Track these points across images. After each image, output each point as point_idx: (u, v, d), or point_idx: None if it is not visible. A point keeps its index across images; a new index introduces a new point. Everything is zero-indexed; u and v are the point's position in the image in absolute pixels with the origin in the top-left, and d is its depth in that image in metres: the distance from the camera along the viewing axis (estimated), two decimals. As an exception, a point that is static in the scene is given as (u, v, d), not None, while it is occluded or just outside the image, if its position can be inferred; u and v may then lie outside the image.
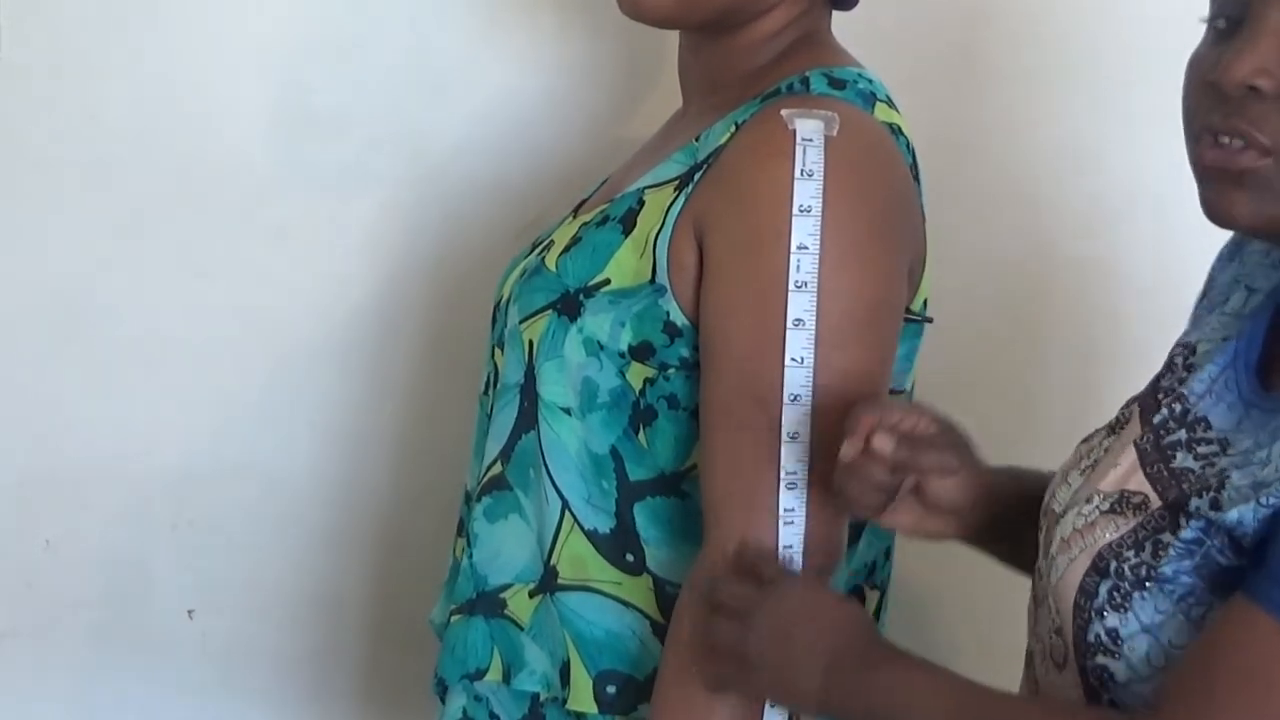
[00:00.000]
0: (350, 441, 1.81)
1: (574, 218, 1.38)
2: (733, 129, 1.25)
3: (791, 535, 1.17)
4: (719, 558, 1.18)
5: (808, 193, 1.18)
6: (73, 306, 1.74)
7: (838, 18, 1.36)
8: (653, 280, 1.24)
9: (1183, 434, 1.02)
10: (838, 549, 1.22)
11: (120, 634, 1.81)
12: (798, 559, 1.18)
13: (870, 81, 1.28)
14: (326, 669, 1.85)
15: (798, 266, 1.18)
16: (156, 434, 1.78)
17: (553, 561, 1.30)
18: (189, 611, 1.81)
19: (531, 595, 1.31)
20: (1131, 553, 0.98)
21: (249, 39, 1.71)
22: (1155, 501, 1.00)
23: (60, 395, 1.76)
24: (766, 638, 1.09)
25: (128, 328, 1.75)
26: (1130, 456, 1.04)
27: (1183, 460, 1.01)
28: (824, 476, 1.17)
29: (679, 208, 1.24)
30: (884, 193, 1.24)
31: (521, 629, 1.32)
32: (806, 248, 1.18)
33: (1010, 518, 1.19)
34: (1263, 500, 0.92)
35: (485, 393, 1.40)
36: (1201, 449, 1.00)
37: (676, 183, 1.26)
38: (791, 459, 1.17)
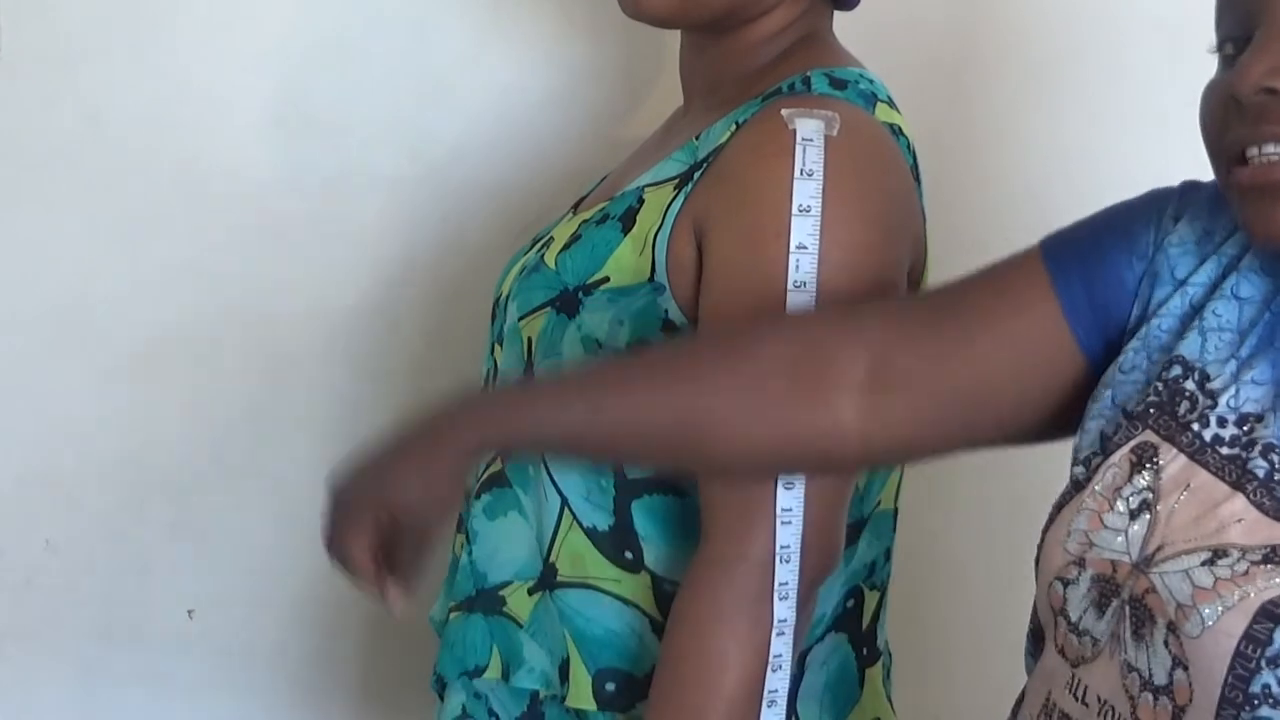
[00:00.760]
0: (350, 441, 1.80)
1: (574, 215, 1.38)
2: (733, 128, 1.25)
3: (789, 535, 1.17)
4: (716, 556, 1.19)
5: (807, 192, 1.18)
6: (73, 307, 1.74)
7: (839, 18, 1.36)
8: (651, 278, 1.25)
9: None
10: (835, 549, 1.22)
11: (120, 634, 1.81)
12: (795, 559, 1.18)
13: (871, 82, 1.28)
14: (326, 668, 1.85)
15: (797, 266, 1.18)
16: (156, 434, 1.78)
17: (551, 559, 1.30)
18: (189, 611, 1.81)
19: (530, 592, 1.31)
20: None
21: (249, 39, 1.71)
22: None
23: (60, 395, 1.76)
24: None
25: (128, 328, 1.75)
26: (1241, 508, 0.97)
27: None
28: None
29: (679, 206, 1.24)
30: (884, 193, 1.24)
31: (520, 626, 1.32)
32: (806, 248, 1.18)
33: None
34: None
35: (485, 389, 1.40)
36: None
37: (676, 181, 1.26)
38: (789, 458, 1.17)
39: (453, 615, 1.37)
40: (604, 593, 1.28)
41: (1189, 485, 0.99)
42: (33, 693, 1.80)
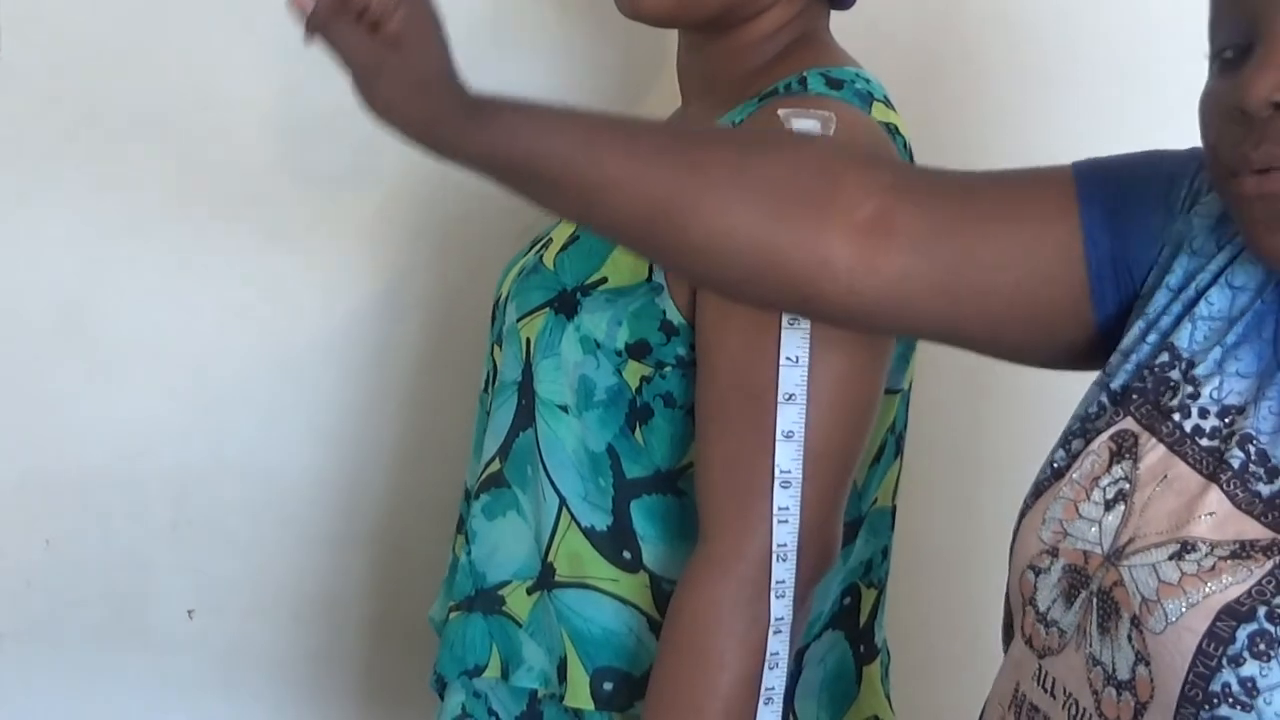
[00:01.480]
0: (350, 441, 1.82)
1: (572, 215, 1.39)
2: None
3: (786, 534, 1.17)
4: (713, 554, 1.19)
5: (805, 192, 1.18)
6: (73, 307, 1.75)
7: (836, 17, 1.36)
8: (649, 279, 1.25)
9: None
10: (832, 547, 1.22)
11: (120, 634, 1.81)
12: (792, 557, 1.18)
13: (868, 81, 1.28)
14: (326, 668, 1.85)
15: (795, 265, 1.18)
16: (156, 434, 1.78)
17: (550, 559, 1.30)
18: (189, 611, 1.82)
19: (529, 592, 1.32)
20: None
21: (249, 38, 1.71)
22: None
23: (60, 395, 1.76)
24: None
25: (128, 328, 1.76)
26: (1214, 501, 0.97)
27: None
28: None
29: (676, 206, 1.24)
30: (881, 192, 1.24)
31: (520, 626, 1.32)
32: (803, 246, 1.18)
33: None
34: None
35: (485, 390, 1.40)
36: None
37: (674, 181, 1.26)
38: (786, 458, 1.17)
39: (452, 615, 1.37)
40: (602, 592, 1.28)
41: (1166, 476, 0.98)
42: (33, 693, 1.80)
